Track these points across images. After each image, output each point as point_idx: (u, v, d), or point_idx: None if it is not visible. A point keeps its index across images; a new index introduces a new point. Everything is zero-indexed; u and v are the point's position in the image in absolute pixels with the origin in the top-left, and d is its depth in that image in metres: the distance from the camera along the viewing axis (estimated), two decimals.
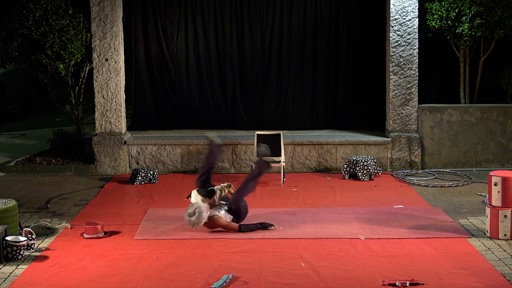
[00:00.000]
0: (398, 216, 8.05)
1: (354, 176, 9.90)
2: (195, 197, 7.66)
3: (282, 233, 7.42)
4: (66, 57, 10.55)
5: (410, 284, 6.00)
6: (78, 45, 10.55)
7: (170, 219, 7.97)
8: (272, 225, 7.60)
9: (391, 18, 10.33)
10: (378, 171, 9.96)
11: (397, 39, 10.35)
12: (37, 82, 15.79)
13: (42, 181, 10.00)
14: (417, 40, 10.36)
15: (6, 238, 6.71)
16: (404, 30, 10.34)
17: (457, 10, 10.26)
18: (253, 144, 9.97)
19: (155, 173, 9.90)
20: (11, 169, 10.48)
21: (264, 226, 7.56)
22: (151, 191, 9.36)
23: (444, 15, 10.31)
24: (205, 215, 7.37)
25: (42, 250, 6.97)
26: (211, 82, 11.30)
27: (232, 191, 7.78)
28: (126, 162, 10.44)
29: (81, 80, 11.11)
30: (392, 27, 10.34)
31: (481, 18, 10.20)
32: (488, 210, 7.24)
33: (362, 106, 11.27)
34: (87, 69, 11.11)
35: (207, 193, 7.65)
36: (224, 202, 7.68)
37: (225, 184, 7.82)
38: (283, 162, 9.72)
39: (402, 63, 10.40)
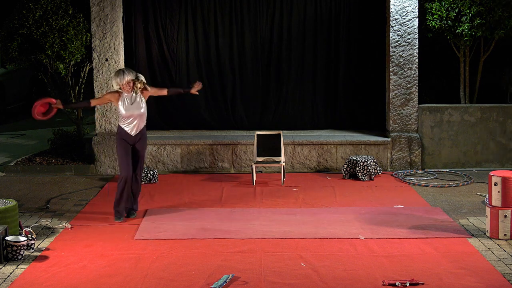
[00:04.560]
0: (398, 216, 8.05)
1: (354, 176, 9.90)
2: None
3: (282, 233, 7.42)
4: (66, 57, 10.55)
5: (410, 284, 6.01)
6: (78, 45, 10.55)
7: (170, 219, 7.98)
8: None
9: (391, 18, 10.33)
10: (378, 171, 9.96)
11: (397, 39, 10.35)
12: (37, 82, 15.78)
13: (42, 181, 10.00)
14: (417, 40, 10.36)
15: (6, 238, 6.71)
16: (404, 30, 10.34)
17: (457, 10, 10.26)
18: (253, 144, 9.97)
19: (155, 173, 9.90)
20: (11, 169, 10.48)
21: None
22: (151, 191, 9.36)
23: (444, 15, 10.31)
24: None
25: (42, 250, 6.97)
26: (211, 82, 11.30)
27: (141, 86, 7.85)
28: None
29: (81, 80, 11.11)
30: (392, 27, 10.34)
31: (481, 18, 10.20)
32: (488, 210, 7.24)
33: (362, 106, 11.27)
34: (87, 69, 11.11)
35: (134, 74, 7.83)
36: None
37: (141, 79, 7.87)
38: (283, 162, 9.72)
39: (402, 63, 10.40)
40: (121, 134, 7.93)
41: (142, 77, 7.90)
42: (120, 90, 7.84)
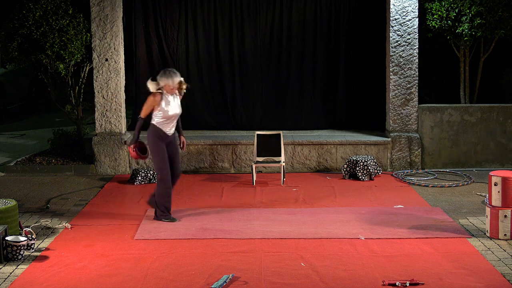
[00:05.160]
0: (398, 216, 8.05)
1: (354, 176, 9.90)
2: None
3: (282, 233, 7.42)
4: (66, 57, 10.55)
5: (410, 284, 6.00)
6: (78, 45, 10.55)
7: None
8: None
9: (391, 18, 10.33)
10: (378, 171, 9.96)
11: (397, 39, 10.36)
12: (37, 82, 15.79)
13: (42, 181, 10.00)
14: (417, 40, 10.36)
15: (6, 238, 6.71)
16: (404, 30, 10.34)
17: (457, 10, 10.27)
18: (253, 144, 9.98)
19: (155, 173, 9.89)
20: (11, 169, 10.48)
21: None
22: (151, 191, 9.34)
23: (444, 15, 10.31)
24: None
25: (42, 250, 6.97)
26: (211, 82, 11.31)
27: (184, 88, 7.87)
28: (126, 162, 10.44)
29: (81, 80, 11.12)
30: (392, 27, 10.34)
31: (481, 18, 10.20)
32: (488, 210, 7.24)
33: (362, 106, 11.27)
34: (87, 69, 11.12)
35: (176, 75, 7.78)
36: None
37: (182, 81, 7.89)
38: (283, 162, 9.72)
39: (402, 63, 10.40)
40: (158, 134, 7.82)
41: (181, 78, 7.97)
42: (160, 91, 7.74)
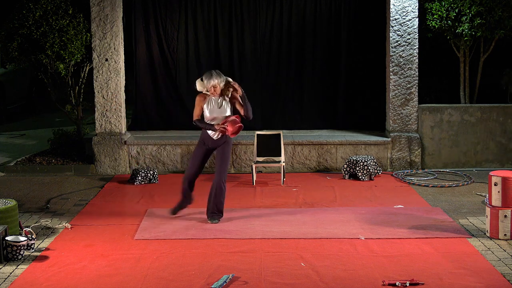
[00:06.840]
0: (398, 216, 8.05)
1: (354, 176, 9.90)
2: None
3: (282, 233, 7.42)
4: (66, 57, 10.55)
5: (410, 284, 6.00)
6: (78, 45, 10.55)
7: (170, 219, 7.98)
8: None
9: (391, 18, 10.33)
10: (378, 171, 9.96)
11: (397, 39, 10.36)
12: (37, 82, 15.79)
13: (42, 181, 10.00)
14: (417, 40, 10.36)
15: (6, 238, 6.71)
16: (404, 30, 10.34)
17: (457, 10, 10.27)
18: (253, 144, 9.98)
19: (155, 173, 9.90)
20: (11, 169, 10.48)
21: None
22: (151, 191, 9.37)
23: (444, 15, 10.31)
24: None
25: (42, 250, 6.97)
26: None
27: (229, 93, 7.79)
28: (126, 162, 10.44)
29: (81, 80, 11.11)
30: (392, 27, 10.35)
31: (481, 18, 10.20)
32: (488, 210, 7.24)
33: (362, 106, 11.27)
34: (87, 69, 11.11)
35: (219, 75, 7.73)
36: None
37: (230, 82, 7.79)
38: (283, 162, 9.72)
39: (402, 63, 10.40)
40: (202, 137, 7.86)
41: (231, 82, 7.80)
42: (207, 93, 7.76)
